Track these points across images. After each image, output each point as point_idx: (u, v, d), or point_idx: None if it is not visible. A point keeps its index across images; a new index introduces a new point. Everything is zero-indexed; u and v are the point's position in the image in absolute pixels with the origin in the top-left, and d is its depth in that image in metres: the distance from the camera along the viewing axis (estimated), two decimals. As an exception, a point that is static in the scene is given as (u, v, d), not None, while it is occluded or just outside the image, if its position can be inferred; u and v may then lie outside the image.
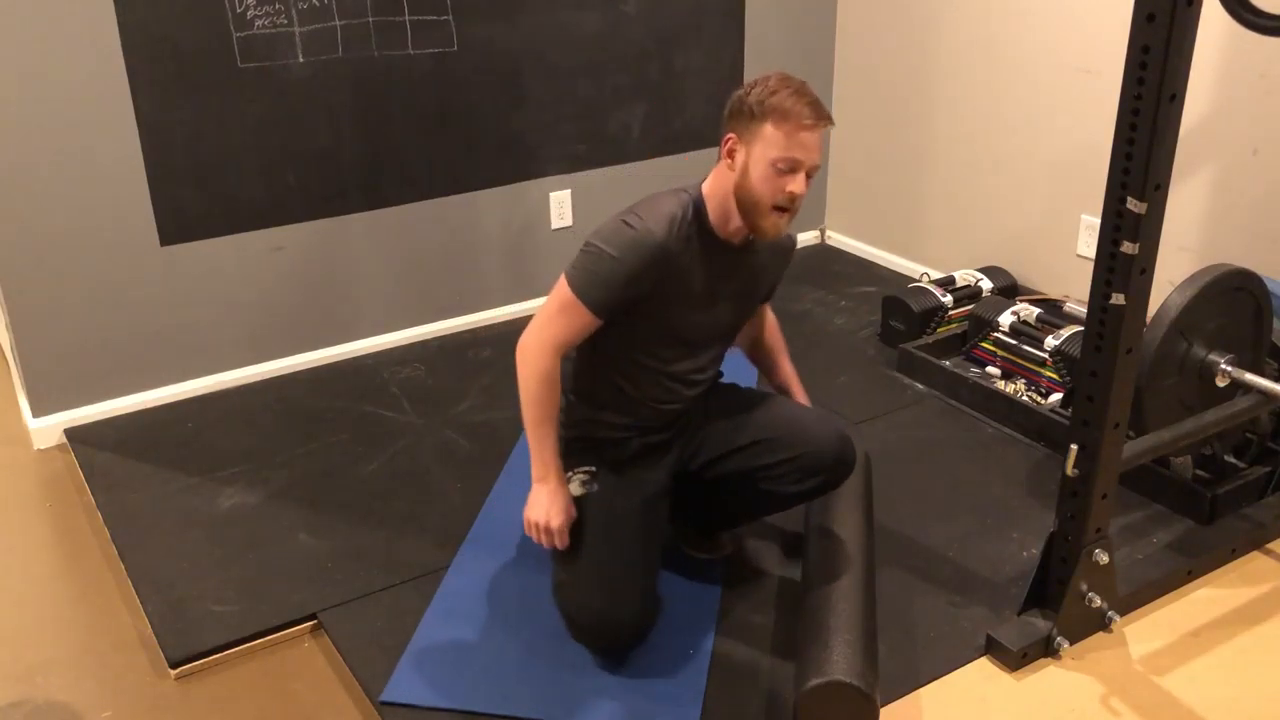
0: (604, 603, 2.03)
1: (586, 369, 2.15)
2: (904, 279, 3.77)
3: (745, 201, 1.98)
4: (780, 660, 2.09)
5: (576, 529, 2.08)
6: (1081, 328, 2.90)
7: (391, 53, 3.17)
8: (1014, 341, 3.09)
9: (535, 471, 2.07)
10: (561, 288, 2.01)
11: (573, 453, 2.17)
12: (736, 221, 2.02)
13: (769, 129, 1.93)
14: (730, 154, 1.99)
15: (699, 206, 2.05)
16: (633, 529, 2.10)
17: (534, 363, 2.02)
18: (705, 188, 2.06)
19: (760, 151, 1.94)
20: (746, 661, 2.10)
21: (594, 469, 2.15)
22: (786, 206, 1.97)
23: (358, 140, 3.21)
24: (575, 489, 2.12)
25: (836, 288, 3.85)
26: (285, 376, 3.28)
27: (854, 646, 1.91)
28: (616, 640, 2.07)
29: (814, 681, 1.85)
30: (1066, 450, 2.02)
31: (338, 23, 3.07)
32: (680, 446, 2.23)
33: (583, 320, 2.00)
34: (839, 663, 1.87)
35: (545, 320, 2.02)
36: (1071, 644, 2.14)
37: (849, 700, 1.85)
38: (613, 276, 1.97)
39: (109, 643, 2.25)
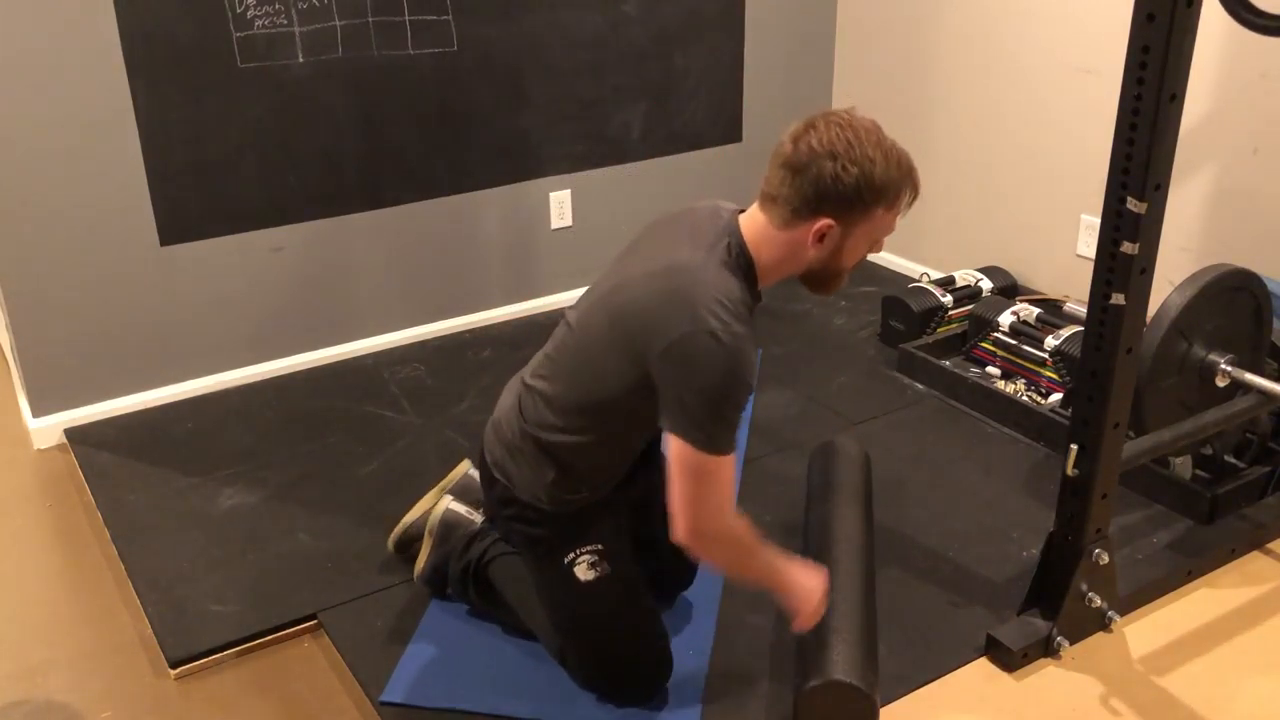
0: (649, 661, 1.97)
1: (590, 448, 1.84)
2: (904, 279, 3.77)
3: (827, 273, 1.78)
4: (780, 660, 2.09)
5: (596, 610, 1.92)
6: (1081, 328, 2.90)
7: (391, 53, 3.17)
8: (1014, 341, 3.09)
9: (779, 585, 1.84)
10: (694, 458, 1.65)
11: (569, 536, 1.91)
12: (777, 279, 1.80)
13: (880, 212, 1.70)
14: (821, 238, 1.71)
15: (749, 266, 1.76)
16: (641, 582, 1.99)
17: (731, 533, 1.75)
18: (751, 243, 1.75)
19: (865, 232, 1.72)
20: (746, 661, 2.10)
21: (598, 547, 1.92)
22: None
23: (358, 140, 3.21)
24: (585, 573, 1.90)
25: (836, 288, 3.85)
26: (285, 376, 3.28)
27: (853, 646, 1.91)
28: (656, 687, 1.99)
29: (814, 681, 1.85)
30: (1066, 450, 2.02)
31: (338, 23, 3.07)
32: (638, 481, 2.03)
33: (732, 468, 1.71)
34: (838, 662, 1.87)
35: (701, 498, 1.68)
36: (1071, 644, 2.14)
37: (849, 700, 1.85)
38: (740, 410, 1.69)
39: (109, 643, 2.25)
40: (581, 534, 1.91)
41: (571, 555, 1.88)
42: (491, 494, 1.99)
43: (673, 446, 1.68)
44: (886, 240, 1.79)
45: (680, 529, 1.72)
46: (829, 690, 1.84)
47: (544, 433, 1.85)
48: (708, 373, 1.63)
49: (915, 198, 1.74)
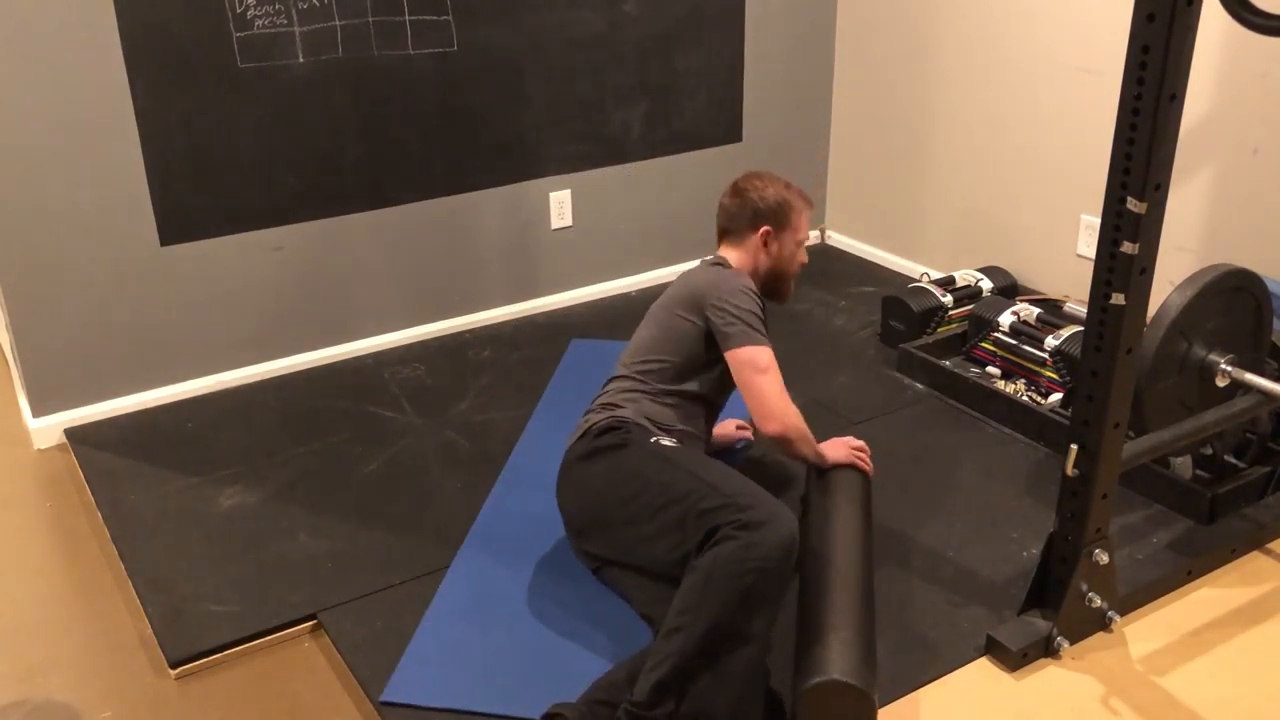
0: (772, 521, 1.92)
1: (675, 396, 2.37)
2: (904, 279, 3.77)
3: (782, 274, 2.47)
4: (783, 659, 2.09)
5: (690, 458, 2.15)
6: (1081, 328, 2.90)
7: (391, 53, 3.17)
8: (1014, 341, 3.09)
9: (816, 457, 2.38)
10: (754, 352, 2.27)
11: (653, 433, 2.27)
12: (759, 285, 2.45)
13: (794, 218, 2.45)
14: (767, 243, 2.44)
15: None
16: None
17: (799, 417, 2.30)
18: (735, 264, 2.45)
19: (790, 235, 2.45)
20: (746, 661, 2.10)
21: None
22: (798, 273, 2.52)
23: (358, 140, 3.21)
24: (668, 442, 2.23)
25: (836, 288, 3.85)
26: (285, 376, 3.28)
27: (851, 644, 1.91)
28: (785, 513, 1.94)
29: (811, 680, 1.85)
30: (1066, 450, 2.03)
31: (338, 23, 3.07)
32: None
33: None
34: (836, 661, 1.86)
35: (775, 386, 2.26)
36: (1071, 644, 2.14)
37: (846, 698, 1.85)
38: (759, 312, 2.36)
39: (109, 643, 2.25)
40: (664, 434, 2.29)
41: (656, 438, 2.24)
42: (596, 430, 2.27)
43: (740, 358, 2.27)
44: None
45: (773, 425, 2.26)
46: (827, 689, 1.84)
47: (655, 384, 2.36)
48: (744, 301, 2.31)
49: (810, 205, 2.50)
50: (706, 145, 3.87)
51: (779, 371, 2.29)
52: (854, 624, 1.96)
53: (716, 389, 2.42)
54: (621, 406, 2.32)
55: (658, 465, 2.14)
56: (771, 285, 2.47)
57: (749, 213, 2.44)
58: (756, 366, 2.27)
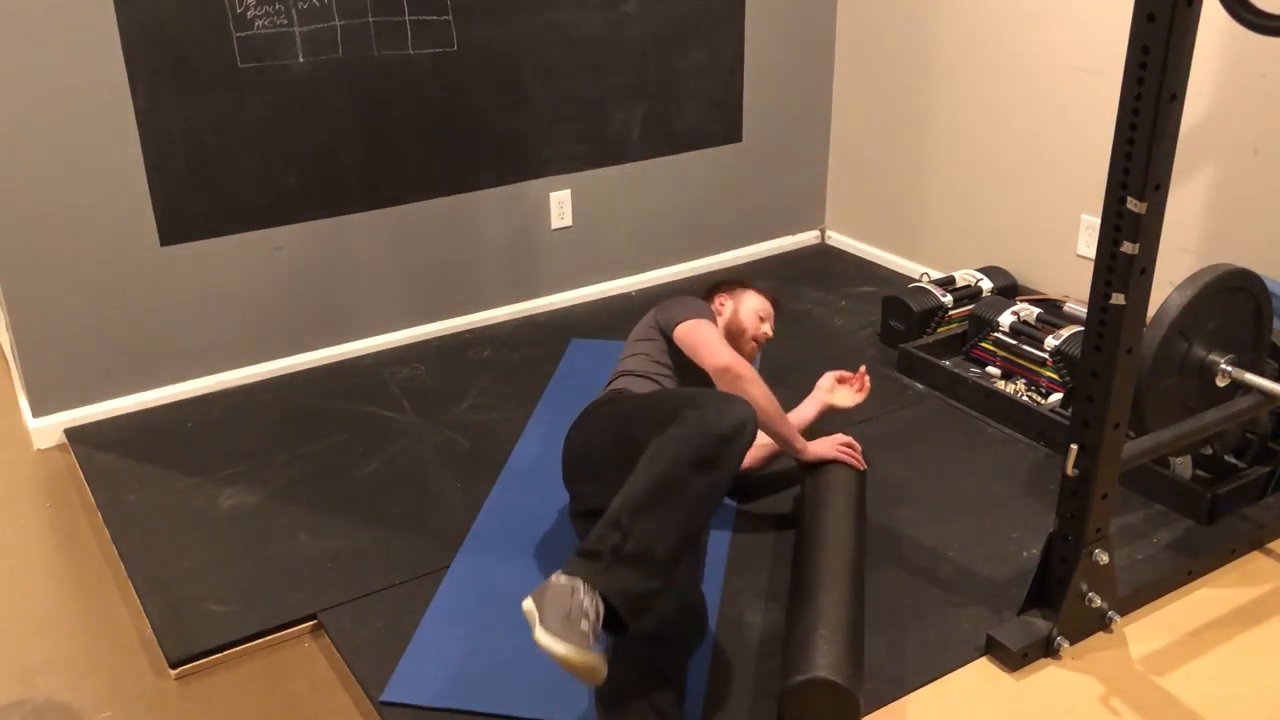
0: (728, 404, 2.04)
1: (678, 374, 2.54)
2: (904, 279, 3.77)
3: (739, 331, 2.65)
4: (778, 658, 2.09)
5: (663, 392, 2.37)
6: (1081, 328, 2.90)
7: (391, 53, 3.17)
8: (1014, 341, 3.09)
9: (798, 447, 2.47)
10: (698, 325, 2.45)
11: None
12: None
13: (751, 293, 2.74)
14: (721, 305, 2.70)
15: None
16: None
17: (743, 359, 2.39)
18: None
19: (746, 304, 2.70)
20: (745, 660, 2.10)
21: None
22: (761, 341, 2.70)
23: (358, 140, 3.21)
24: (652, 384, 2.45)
25: (836, 288, 3.85)
26: (285, 376, 3.28)
27: (836, 643, 1.91)
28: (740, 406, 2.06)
29: (795, 679, 1.85)
30: (1066, 450, 2.03)
31: (338, 23, 3.07)
32: None
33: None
34: (820, 660, 1.86)
35: (719, 344, 2.41)
36: (1071, 644, 2.14)
37: (829, 694, 1.85)
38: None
39: (109, 643, 2.25)
40: None
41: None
42: (602, 396, 2.46)
43: (682, 331, 2.46)
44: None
45: (720, 357, 2.38)
46: (809, 687, 1.84)
47: (638, 370, 2.50)
48: (688, 299, 2.58)
49: (771, 296, 2.77)
50: (706, 145, 3.87)
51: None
52: (840, 622, 1.96)
53: (680, 363, 2.53)
54: (613, 383, 2.49)
55: (640, 400, 2.28)
56: (730, 342, 2.54)
57: (712, 287, 2.79)
58: (692, 324, 2.46)
